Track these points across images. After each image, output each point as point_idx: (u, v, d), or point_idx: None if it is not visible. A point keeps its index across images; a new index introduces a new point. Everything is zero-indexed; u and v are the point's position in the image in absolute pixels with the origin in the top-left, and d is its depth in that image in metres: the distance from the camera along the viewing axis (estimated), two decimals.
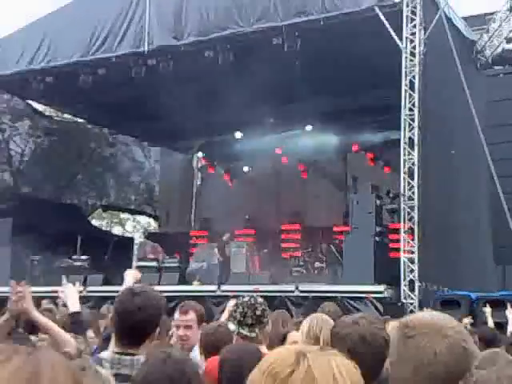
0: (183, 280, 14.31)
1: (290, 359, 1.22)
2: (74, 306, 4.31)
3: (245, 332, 3.63)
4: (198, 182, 20.77)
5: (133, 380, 2.46)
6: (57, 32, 14.70)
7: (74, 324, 4.10)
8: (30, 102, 18.14)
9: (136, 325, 2.80)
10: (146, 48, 13.68)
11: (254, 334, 3.63)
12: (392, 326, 2.87)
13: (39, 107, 18.83)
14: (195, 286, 13.69)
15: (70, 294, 4.39)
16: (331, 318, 4.10)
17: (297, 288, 12.35)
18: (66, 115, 19.63)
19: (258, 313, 3.64)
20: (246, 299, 3.71)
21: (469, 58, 13.51)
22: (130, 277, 4.25)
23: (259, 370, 1.22)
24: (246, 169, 18.96)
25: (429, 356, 1.63)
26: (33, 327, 4.40)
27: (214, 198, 19.05)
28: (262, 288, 12.60)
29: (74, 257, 15.99)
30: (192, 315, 4.18)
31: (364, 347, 2.43)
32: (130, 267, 16.32)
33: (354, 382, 1.25)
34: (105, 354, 2.85)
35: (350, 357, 2.40)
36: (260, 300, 3.74)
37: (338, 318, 2.97)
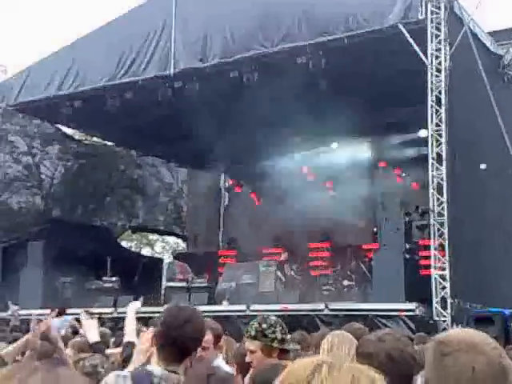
0: (212, 300, 14.32)
1: (308, 370, 1.23)
2: (94, 336, 4.51)
3: (291, 346, 3.66)
4: (226, 202, 20.84)
5: None
6: (85, 57, 14.98)
7: (96, 352, 4.20)
8: (60, 126, 18.46)
9: (182, 338, 2.77)
10: (172, 71, 13.86)
11: (298, 346, 3.68)
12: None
13: (68, 131, 19.15)
14: (224, 306, 13.68)
15: (89, 326, 4.60)
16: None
17: (326, 306, 12.26)
18: (94, 138, 19.95)
19: (283, 326, 3.67)
20: (268, 319, 3.69)
21: (495, 72, 13.41)
22: (132, 310, 4.34)
23: (279, 381, 1.24)
24: (272, 187, 18.97)
25: (467, 373, 1.62)
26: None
27: (242, 218, 19.09)
28: (290, 307, 12.56)
29: (105, 278, 16.12)
30: (209, 336, 3.94)
31: (391, 365, 2.36)
32: (160, 288, 16.44)
33: None
34: (153, 369, 2.81)
35: None
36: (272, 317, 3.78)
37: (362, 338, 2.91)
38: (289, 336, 3.77)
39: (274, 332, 3.58)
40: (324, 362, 1.27)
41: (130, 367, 3.13)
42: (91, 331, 4.59)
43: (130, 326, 4.22)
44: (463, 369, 1.62)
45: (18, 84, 16.01)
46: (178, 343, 2.79)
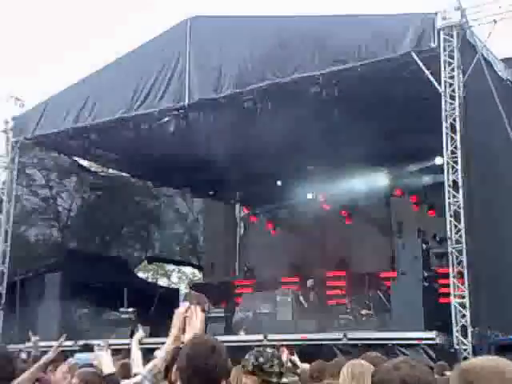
0: (229, 330, 14.23)
1: None
2: (108, 368, 4.51)
3: (289, 379, 3.59)
4: (241, 231, 20.86)
5: None
6: (100, 90, 15.19)
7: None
8: (76, 158, 18.66)
9: (209, 368, 2.62)
10: (187, 102, 14.00)
11: (296, 377, 3.61)
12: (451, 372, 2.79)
13: (85, 163, 19.36)
14: (242, 336, 13.58)
15: (103, 358, 4.64)
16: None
17: (345, 336, 12.13)
18: (110, 170, 20.12)
19: (280, 359, 3.59)
20: (264, 353, 3.53)
21: (509, 98, 13.40)
22: (135, 341, 4.35)
23: None
24: (288, 216, 18.98)
25: None
26: None
27: (258, 247, 19.07)
28: (309, 336, 12.45)
29: (121, 309, 16.11)
30: None
31: None
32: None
33: None
34: None
35: None
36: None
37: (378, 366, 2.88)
38: (284, 368, 3.67)
39: (271, 366, 3.44)
40: None
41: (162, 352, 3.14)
42: (105, 362, 4.59)
43: (136, 356, 4.24)
44: None
45: (35, 117, 16.23)
46: (205, 374, 2.63)
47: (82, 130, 15.54)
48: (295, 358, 8.74)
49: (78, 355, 8.28)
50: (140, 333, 4.53)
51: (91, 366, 6.14)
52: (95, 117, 15.18)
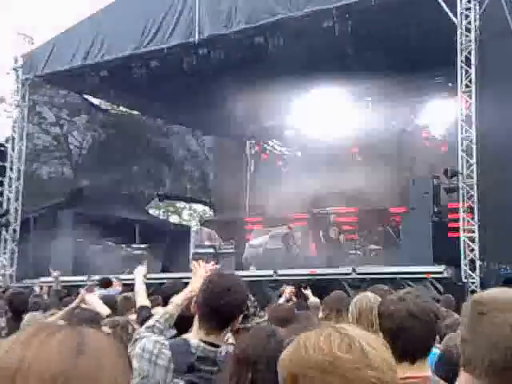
0: (240, 265, 14.47)
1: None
2: (104, 310, 4.90)
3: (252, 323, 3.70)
4: (252, 169, 20.90)
5: (236, 348, 2.52)
6: (109, 27, 15.00)
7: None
8: (87, 96, 18.58)
9: (223, 307, 2.73)
10: (197, 38, 13.82)
11: (262, 319, 3.75)
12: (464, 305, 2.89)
13: (95, 101, 19.28)
14: (252, 271, 13.82)
15: (96, 302, 5.08)
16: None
17: (354, 270, 12.31)
18: (121, 108, 20.05)
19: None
20: None
21: None
22: (139, 275, 4.51)
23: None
24: (299, 154, 18.95)
25: (504, 331, 1.60)
26: None
27: (268, 184, 19.13)
28: (318, 271, 12.65)
29: (134, 246, 16.38)
30: None
31: (412, 321, 2.41)
32: (188, 254, 16.64)
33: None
34: (191, 340, 2.79)
35: (398, 334, 2.42)
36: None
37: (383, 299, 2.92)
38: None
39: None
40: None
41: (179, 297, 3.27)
42: (99, 306, 4.97)
43: (141, 290, 4.38)
44: (501, 327, 1.61)
45: (44, 55, 16.09)
46: (219, 311, 2.75)
47: (92, 68, 15.42)
48: (308, 291, 8.94)
49: (98, 291, 8.49)
50: (143, 268, 4.69)
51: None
52: (105, 54, 15.04)
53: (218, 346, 2.77)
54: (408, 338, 2.40)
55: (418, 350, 2.43)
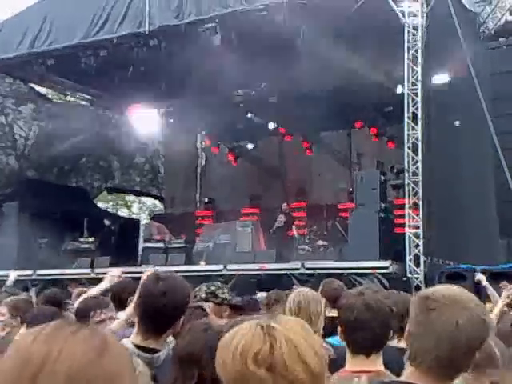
0: (190, 260, 14.39)
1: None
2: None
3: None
4: (203, 163, 20.79)
5: (175, 349, 2.47)
6: (57, 14, 14.61)
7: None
8: (33, 85, 18.11)
9: (160, 310, 2.66)
10: (147, 28, 13.59)
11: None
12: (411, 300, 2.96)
13: (42, 90, 18.81)
14: (201, 266, 13.76)
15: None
16: (336, 294, 4.14)
17: (302, 265, 12.40)
18: (68, 98, 19.62)
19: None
20: (214, 283, 4.10)
21: (472, 30, 13.38)
22: (107, 280, 4.53)
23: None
24: (250, 147, 18.91)
25: (451, 327, 1.67)
26: None
27: (219, 178, 19.07)
28: (267, 266, 12.69)
29: (81, 239, 16.09)
30: None
31: (369, 314, 2.52)
32: (137, 249, 16.45)
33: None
34: (125, 344, 2.65)
35: (355, 325, 2.52)
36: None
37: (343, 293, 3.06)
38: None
39: (223, 293, 3.91)
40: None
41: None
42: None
43: (98, 288, 4.46)
44: (447, 323, 1.68)
45: None
46: (156, 315, 2.68)
47: (39, 56, 15.01)
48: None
49: None
50: (118, 270, 4.82)
51: None
52: (52, 42, 14.64)
53: (157, 351, 2.68)
54: (364, 331, 2.49)
55: (373, 343, 2.52)
